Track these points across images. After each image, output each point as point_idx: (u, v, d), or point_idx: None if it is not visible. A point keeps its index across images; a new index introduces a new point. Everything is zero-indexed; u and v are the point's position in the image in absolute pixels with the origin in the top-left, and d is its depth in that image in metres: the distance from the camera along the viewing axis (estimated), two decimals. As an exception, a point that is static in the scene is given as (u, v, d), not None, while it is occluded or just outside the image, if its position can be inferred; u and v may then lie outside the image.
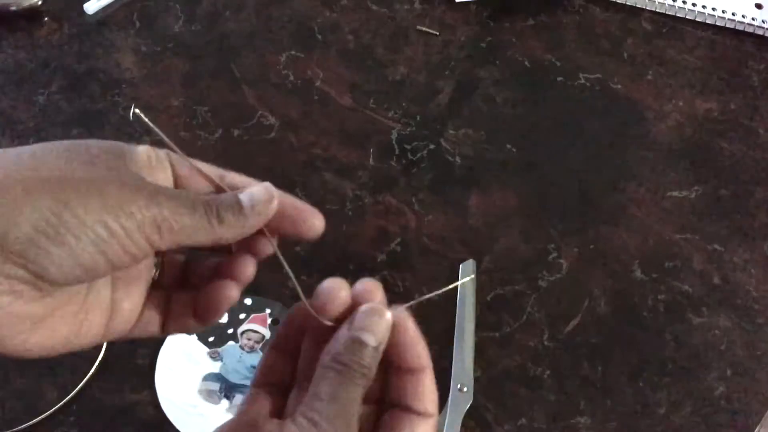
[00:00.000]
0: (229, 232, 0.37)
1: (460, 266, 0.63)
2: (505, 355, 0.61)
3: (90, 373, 0.58)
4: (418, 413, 0.39)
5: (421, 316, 0.63)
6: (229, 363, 0.58)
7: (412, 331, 0.39)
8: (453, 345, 0.60)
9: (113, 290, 0.38)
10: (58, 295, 0.34)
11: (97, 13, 0.76)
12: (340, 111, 0.72)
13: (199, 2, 0.77)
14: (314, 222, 0.39)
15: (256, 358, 0.58)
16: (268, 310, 0.60)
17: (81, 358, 0.58)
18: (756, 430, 0.59)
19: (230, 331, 0.60)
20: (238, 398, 0.57)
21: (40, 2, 0.74)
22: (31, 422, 0.56)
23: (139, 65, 0.73)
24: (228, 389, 0.58)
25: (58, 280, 0.33)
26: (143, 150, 0.37)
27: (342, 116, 0.71)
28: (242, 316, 0.60)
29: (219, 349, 0.59)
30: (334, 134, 0.70)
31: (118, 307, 0.38)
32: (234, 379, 0.58)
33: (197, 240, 0.36)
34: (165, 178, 0.39)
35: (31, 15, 0.75)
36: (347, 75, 0.74)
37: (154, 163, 0.38)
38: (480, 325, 0.61)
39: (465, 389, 0.58)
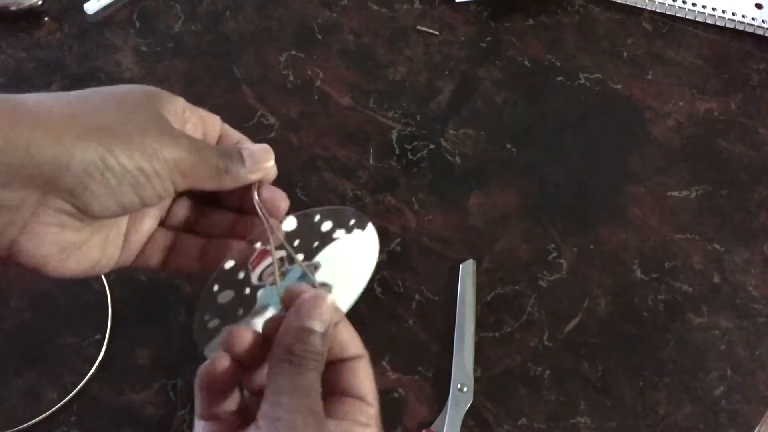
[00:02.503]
0: (230, 180, 0.42)
1: (461, 266, 0.63)
2: (505, 355, 0.61)
3: (90, 373, 0.58)
4: (359, 398, 0.40)
5: (421, 316, 0.63)
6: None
7: (343, 321, 0.41)
8: (453, 345, 0.60)
9: (128, 224, 0.43)
10: (94, 227, 0.40)
11: (97, 13, 0.76)
12: (340, 111, 0.72)
13: (199, 2, 0.77)
14: (281, 205, 0.44)
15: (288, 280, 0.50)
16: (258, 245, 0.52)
17: (81, 358, 0.58)
18: (756, 430, 0.59)
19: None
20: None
21: (40, 2, 0.74)
22: (31, 422, 0.56)
23: (139, 65, 0.73)
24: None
25: (98, 215, 0.38)
26: (178, 101, 0.43)
27: (342, 116, 0.71)
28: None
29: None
30: (334, 134, 0.70)
31: (128, 239, 0.43)
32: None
33: (205, 185, 0.41)
34: (193, 129, 0.43)
35: (31, 15, 0.75)
36: (347, 75, 0.74)
37: (187, 114, 0.43)
38: (480, 325, 0.61)
39: (465, 389, 0.58)
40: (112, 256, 0.43)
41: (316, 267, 0.48)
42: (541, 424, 0.58)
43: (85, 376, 0.57)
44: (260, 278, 0.47)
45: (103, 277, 0.61)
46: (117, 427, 0.56)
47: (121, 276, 0.62)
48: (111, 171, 0.37)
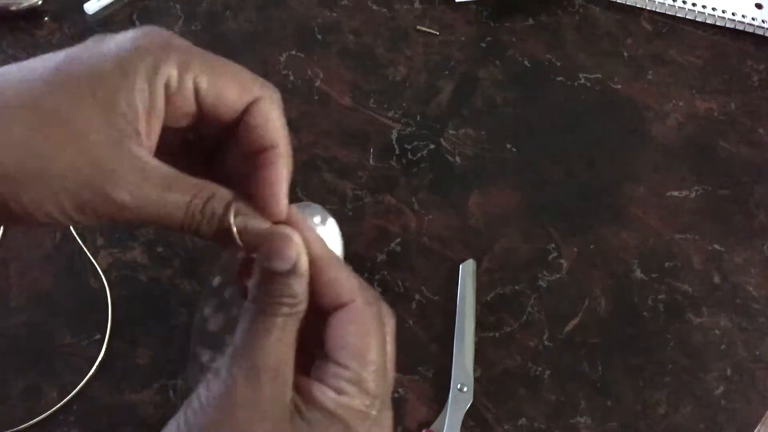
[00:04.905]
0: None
1: (461, 266, 0.63)
2: (505, 355, 0.61)
3: (90, 373, 0.58)
4: (350, 354, 0.34)
5: (421, 316, 0.63)
6: None
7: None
8: (453, 345, 0.60)
9: None
10: None
11: (97, 13, 0.76)
12: (340, 111, 0.72)
13: (199, 2, 0.77)
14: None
15: None
16: None
17: (81, 358, 0.58)
18: (756, 430, 0.59)
19: None
20: None
21: (40, 2, 0.74)
22: (31, 422, 0.56)
23: (139, 65, 0.73)
24: None
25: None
26: (165, 67, 0.34)
27: (342, 116, 0.71)
28: None
29: None
30: (334, 134, 0.70)
31: None
32: None
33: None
34: (183, 103, 0.36)
35: (31, 15, 0.75)
36: (347, 75, 0.74)
37: (187, 81, 0.35)
38: (480, 325, 0.61)
39: (465, 389, 0.58)
40: None
41: None
42: (541, 424, 0.58)
43: (85, 376, 0.57)
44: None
45: (103, 277, 0.61)
46: (117, 427, 0.56)
47: (121, 276, 0.62)
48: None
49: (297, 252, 0.33)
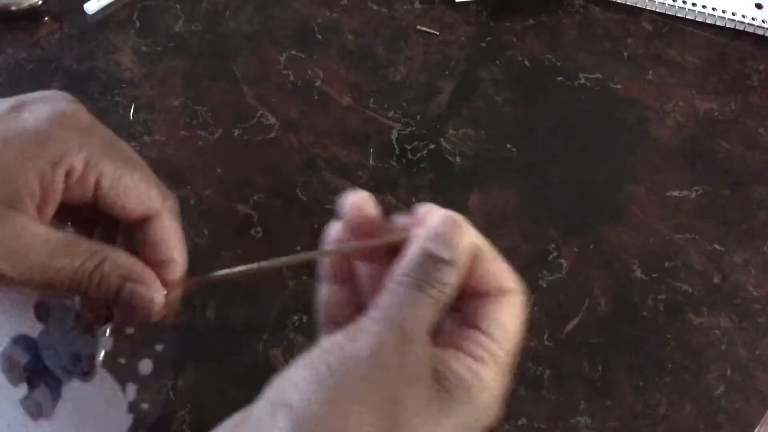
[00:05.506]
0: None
1: (460, 266, 0.63)
2: (505, 355, 0.61)
3: (90, 373, 0.58)
4: (482, 332, 0.35)
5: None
6: (56, 332, 0.43)
7: (489, 253, 0.37)
8: (453, 345, 0.60)
9: None
10: None
11: (97, 13, 0.76)
12: (340, 111, 0.72)
13: (199, 2, 0.77)
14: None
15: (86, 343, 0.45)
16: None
17: (81, 358, 0.58)
18: (756, 430, 0.59)
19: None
20: (41, 392, 0.42)
21: (40, 2, 0.74)
22: (31, 422, 0.56)
23: (139, 65, 0.73)
24: (35, 371, 0.42)
25: None
26: (36, 179, 0.36)
27: (342, 116, 0.71)
28: None
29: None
30: (334, 134, 0.70)
31: None
32: (50, 361, 0.43)
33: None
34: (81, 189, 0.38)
35: (31, 15, 0.75)
36: (347, 75, 0.74)
37: (89, 173, 0.37)
38: (480, 325, 0.61)
39: (465, 389, 0.58)
40: None
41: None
42: (541, 424, 0.58)
43: (85, 376, 0.57)
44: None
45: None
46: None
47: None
48: None
49: (466, 247, 0.35)
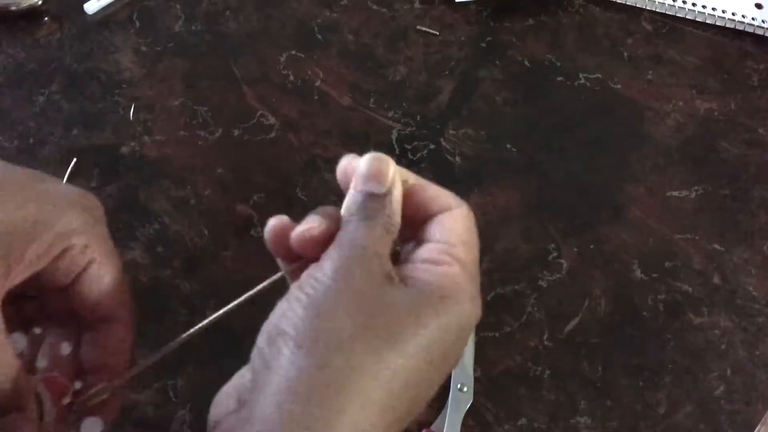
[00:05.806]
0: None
1: (460, 266, 0.63)
2: (505, 355, 0.61)
3: (90, 373, 0.57)
4: (437, 241, 0.39)
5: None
6: None
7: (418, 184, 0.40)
8: (453, 345, 0.60)
9: None
10: None
11: (97, 13, 0.76)
12: (340, 111, 0.72)
13: (199, 2, 0.77)
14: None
15: None
16: None
17: (81, 358, 0.58)
18: (756, 430, 0.59)
19: None
20: None
21: (40, 2, 0.74)
22: (31, 422, 0.56)
23: (139, 65, 0.73)
24: None
25: None
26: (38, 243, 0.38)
27: (342, 116, 0.71)
28: None
29: None
30: (334, 134, 0.70)
31: None
32: None
33: None
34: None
35: (31, 15, 0.75)
36: (347, 75, 0.74)
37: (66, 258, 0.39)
38: (480, 325, 0.61)
39: (465, 389, 0.58)
40: None
41: None
42: (541, 424, 0.58)
43: (85, 376, 0.57)
44: None
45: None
46: (117, 427, 0.56)
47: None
48: None
49: (392, 177, 0.38)
